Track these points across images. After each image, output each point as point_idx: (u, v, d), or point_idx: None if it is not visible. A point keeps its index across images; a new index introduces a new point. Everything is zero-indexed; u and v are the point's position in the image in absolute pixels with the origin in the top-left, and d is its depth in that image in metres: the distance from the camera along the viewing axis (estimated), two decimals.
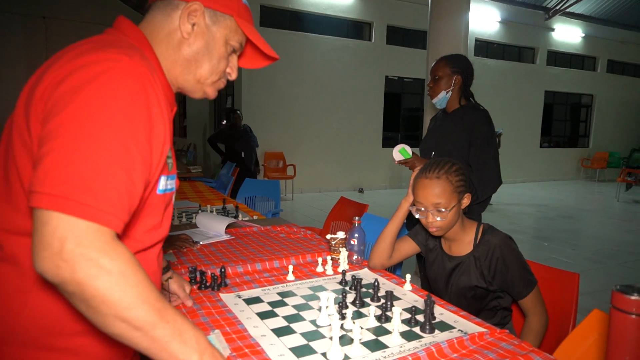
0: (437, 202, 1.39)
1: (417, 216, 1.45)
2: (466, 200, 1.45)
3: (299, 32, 8.89)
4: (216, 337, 1.06)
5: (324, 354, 1.00)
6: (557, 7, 11.61)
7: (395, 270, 2.10)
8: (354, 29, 9.64)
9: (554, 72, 12.40)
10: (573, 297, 1.49)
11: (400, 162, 2.09)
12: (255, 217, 2.64)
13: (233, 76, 0.93)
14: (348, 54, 9.35)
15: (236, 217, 2.61)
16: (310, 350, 1.02)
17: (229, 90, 9.68)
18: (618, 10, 12.56)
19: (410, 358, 0.97)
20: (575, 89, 13.05)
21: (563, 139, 13.82)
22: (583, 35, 12.66)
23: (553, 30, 12.12)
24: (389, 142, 10.29)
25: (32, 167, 0.65)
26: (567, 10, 11.74)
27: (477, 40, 10.97)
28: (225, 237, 2.04)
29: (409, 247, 1.64)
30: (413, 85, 10.35)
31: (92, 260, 0.59)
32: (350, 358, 0.98)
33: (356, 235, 1.68)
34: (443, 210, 1.39)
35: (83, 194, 0.60)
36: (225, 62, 0.90)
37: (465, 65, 2.14)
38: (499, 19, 11.13)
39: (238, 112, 5.85)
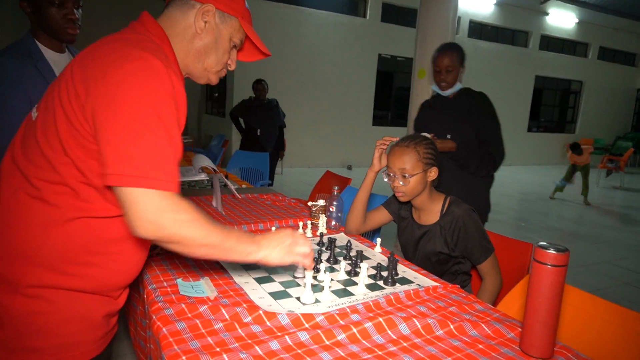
0: (402, 167, 1.55)
1: (385, 179, 1.61)
2: (433, 174, 1.60)
3: (293, 5, 8.85)
4: (205, 282, 1.22)
5: (298, 298, 1.16)
6: None
7: (373, 238, 2.27)
8: (349, 4, 9.62)
9: (546, 57, 12.52)
10: (526, 263, 1.67)
11: None
12: (243, 186, 2.78)
13: (232, 67, 1.11)
14: (342, 30, 9.36)
15: (225, 185, 2.75)
16: (286, 295, 1.18)
17: None
18: None
19: (371, 303, 1.14)
20: (566, 75, 13.21)
21: (551, 123, 14.04)
22: (577, 20, 12.73)
23: (547, 14, 12.18)
24: (379, 121, 10.42)
25: (76, 141, 0.85)
26: None
27: (471, 21, 11.01)
28: (200, 177, 2.09)
29: (382, 215, 1.80)
30: (406, 64, 10.41)
31: (172, 218, 0.83)
32: (320, 302, 1.15)
33: (335, 203, 1.84)
34: (407, 175, 1.54)
35: (153, 171, 0.80)
36: (228, 55, 1.07)
37: (465, 54, 2.31)
38: (495, 1, 11.15)
39: (263, 82, 4.82)
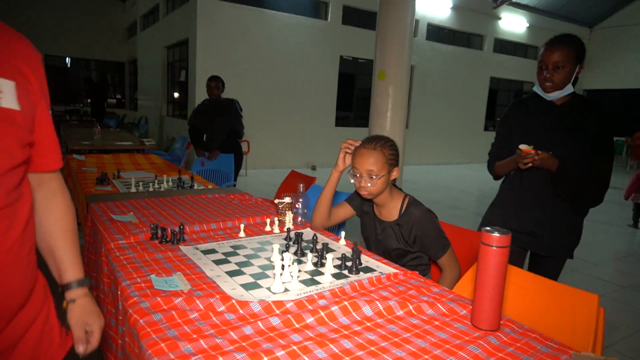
0: (370, 169, 1.63)
1: (352, 181, 1.69)
2: (395, 173, 1.70)
3: (255, 7, 8.86)
4: (178, 277, 1.27)
5: (268, 288, 1.23)
6: None
7: (338, 232, 2.36)
8: (310, 7, 9.72)
9: (500, 59, 13.07)
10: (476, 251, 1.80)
11: (525, 152, 1.74)
12: (210, 187, 2.81)
13: None
14: (304, 32, 9.45)
15: (192, 187, 2.77)
16: (257, 286, 1.25)
17: (183, 63, 9.54)
18: (559, 2, 13.36)
19: (337, 290, 1.22)
20: (519, 77, 13.83)
21: None
22: (527, 25, 13.37)
23: (500, 19, 12.72)
24: (342, 122, 10.57)
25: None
26: (513, 0, 12.37)
27: (429, 24, 11.35)
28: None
29: (345, 210, 1.89)
30: (367, 66, 10.61)
31: None
32: (289, 291, 1.22)
33: (300, 200, 1.91)
34: (374, 177, 1.63)
35: None
36: None
37: (584, 49, 1.80)
38: (451, 5, 11.55)
39: (215, 79, 4.32)
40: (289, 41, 9.26)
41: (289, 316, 1.05)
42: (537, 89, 1.88)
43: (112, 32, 14.78)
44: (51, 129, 0.92)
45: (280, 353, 0.90)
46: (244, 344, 0.93)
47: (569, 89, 1.79)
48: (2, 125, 0.76)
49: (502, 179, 2.10)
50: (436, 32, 11.70)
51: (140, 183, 2.67)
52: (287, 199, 1.93)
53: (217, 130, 4.32)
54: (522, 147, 1.72)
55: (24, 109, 0.81)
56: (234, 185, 4.27)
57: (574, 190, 1.78)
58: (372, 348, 0.95)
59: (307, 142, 9.85)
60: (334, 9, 9.82)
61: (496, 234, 1.03)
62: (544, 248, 1.90)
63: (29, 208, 0.87)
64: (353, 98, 10.94)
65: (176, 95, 10.72)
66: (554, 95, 1.81)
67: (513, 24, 13.06)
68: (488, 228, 1.06)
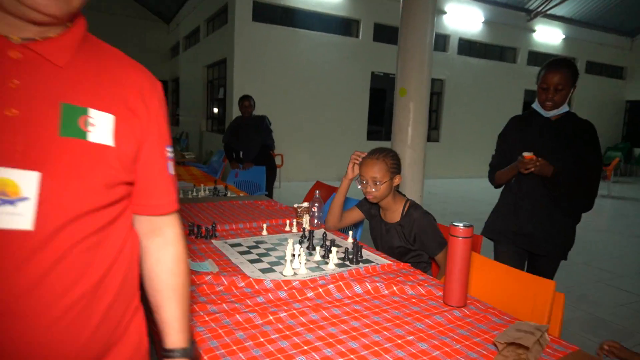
0: (374, 176, 1.89)
1: (359, 186, 1.95)
2: (397, 180, 1.96)
3: (289, 27, 9.33)
4: (209, 263, 1.57)
5: (280, 272, 1.51)
6: (539, 9, 12.17)
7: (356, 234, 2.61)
8: (342, 25, 10.09)
9: (534, 71, 12.88)
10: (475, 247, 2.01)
11: (527, 158, 1.96)
12: (241, 195, 3.13)
13: None
14: (336, 50, 9.82)
15: (225, 195, 3.10)
16: (271, 270, 1.53)
17: (222, 81, 10.11)
18: (597, 13, 13.16)
19: (337, 275, 1.48)
20: None
21: None
22: (563, 36, 13.23)
23: (534, 31, 12.67)
24: (373, 136, 10.82)
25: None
26: (548, 12, 12.31)
27: (460, 39, 11.49)
28: None
29: (355, 214, 2.15)
30: None
31: None
32: (297, 274, 1.49)
33: (316, 204, 2.19)
34: (378, 183, 1.89)
35: None
36: None
37: (578, 73, 2.05)
38: (483, 19, 11.64)
39: (247, 98, 4.64)
40: (321, 59, 9.65)
41: (294, 291, 1.32)
42: (536, 106, 2.12)
43: (156, 52, 15.75)
44: (162, 168, 0.82)
45: (282, 314, 1.17)
46: (256, 307, 1.21)
47: (565, 107, 2.04)
48: (87, 162, 0.67)
49: (502, 188, 2.32)
50: (468, 47, 11.81)
51: (180, 191, 3.03)
52: (305, 204, 2.21)
53: (251, 145, 4.64)
54: (525, 154, 1.95)
55: (121, 146, 0.72)
56: (266, 195, 4.59)
57: (567, 192, 2.00)
58: (355, 314, 1.21)
59: (339, 156, 10.13)
60: (365, 27, 10.16)
61: (461, 227, 1.27)
62: (539, 247, 2.10)
63: (114, 257, 0.75)
64: (384, 112, 11.18)
65: (215, 111, 11.32)
66: (552, 113, 2.05)
67: (548, 35, 12.97)
68: (456, 222, 1.29)
